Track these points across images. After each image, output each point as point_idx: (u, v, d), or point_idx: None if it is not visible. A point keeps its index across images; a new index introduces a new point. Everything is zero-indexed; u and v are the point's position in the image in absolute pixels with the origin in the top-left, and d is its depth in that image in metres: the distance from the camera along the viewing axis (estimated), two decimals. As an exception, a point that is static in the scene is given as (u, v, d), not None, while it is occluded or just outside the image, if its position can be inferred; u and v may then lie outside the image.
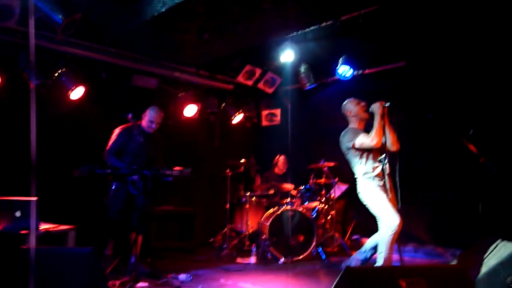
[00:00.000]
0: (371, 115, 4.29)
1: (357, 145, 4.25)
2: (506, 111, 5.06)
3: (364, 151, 4.28)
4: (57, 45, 5.07)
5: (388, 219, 4.05)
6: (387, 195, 4.17)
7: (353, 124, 4.47)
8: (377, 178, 4.24)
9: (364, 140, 4.21)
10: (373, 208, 4.22)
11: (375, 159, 4.29)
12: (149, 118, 4.85)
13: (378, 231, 4.22)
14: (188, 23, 4.68)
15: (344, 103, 4.53)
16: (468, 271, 2.77)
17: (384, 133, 4.18)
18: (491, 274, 3.30)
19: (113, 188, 4.76)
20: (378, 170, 4.25)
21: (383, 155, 4.12)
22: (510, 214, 4.94)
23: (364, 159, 4.30)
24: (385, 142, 4.33)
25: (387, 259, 4.00)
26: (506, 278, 3.27)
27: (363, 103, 4.44)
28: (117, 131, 4.82)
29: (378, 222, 4.22)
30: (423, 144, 4.40)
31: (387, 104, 4.17)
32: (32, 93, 4.87)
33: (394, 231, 4.02)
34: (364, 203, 4.32)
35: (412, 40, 5.40)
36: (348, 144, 4.31)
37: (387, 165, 4.05)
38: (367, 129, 4.39)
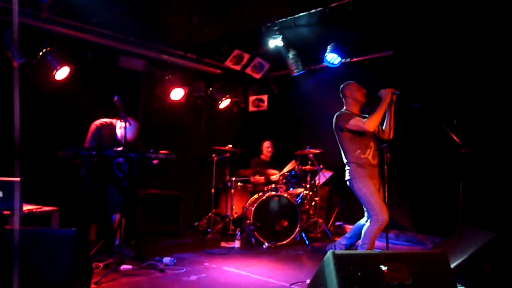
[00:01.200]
0: (370, 101, 4.30)
1: (351, 128, 4.24)
2: (489, 102, 5.15)
3: (356, 135, 4.29)
4: (42, 24, 4.97)
5: (376, 213, 4.11)
6: (375, 186, 4.22)
7: (349, 106, 4.46)
8: (367, 165, 4.26)
9: (359, 123, 4.21)
10: (362, 199, 4.24)
11: (366, 144, 4.30)
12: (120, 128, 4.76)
13: (366, 220, 4.27)
14: (178, 5, 4.63)
15: (345, 83, 4.51)
16: (448, 257, 2.84)
17: (381, 120, 4.21)
18: (469, 261, 3.39)
19: (81, 174, 4.78)
20: (371, 156, 4.27)
21: (385, 144, 4.12)
22: (489, 204, 5.06)
23: (356, 144, 4.30)
24: (381, 129, 4.37)
25: (369, 249, 4.07)
26: (483, 264, 3.37)
27: (364, 90, 4.44)
28: (92, 128, 4.76)
29: (365, 211, 4.27)
30: (407, 133, 4.47)
31: (397, 93, 4.17)
32: (16, 72, 4.80)
33: (380, 225, 4.08)
34: (353, 191, 4.32)
35: (400, 30, 5.42)
36: (342, 125, 4.29)
37: (388, 154, 4.03)
38: (361, 114, 4.41)
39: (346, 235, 4.58)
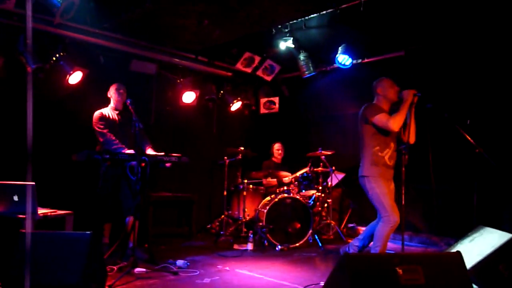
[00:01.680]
0: (399, 101, 4.21)
1: (375, 122, 4.14)
2: (502, 101, 5.08)
3: (379, 132, 4.19)
4: (55, 29, 5.02)
5: (387, 214, 4.06)
6: (388, 187, 4.17)
7: (379, 102, 4.32)
8: (381, 165, 4.18)
9: (385, 119, 4.10)
10: (373, 198, 4.18)
11: (386, 143, 4.21)
12: (116, 90, 4.93)
13: (378, 222, 4.23)
14: (188, 9, 4.65)
15: (378, 79, 4.37)
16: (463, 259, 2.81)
17: (404, 122, 4.13)
18: (484, 262, 3.34)
19: (101, 172, 4.81)
20: (388, 156, 4.20)
21: (404, 145, 4.02)
22: (504, 205, 4.99)
23: (376, 141, 4.21)
24: (402, 131, 4.30)
25: (382, 252, 4.03)
26: (499, 266, 3.32)
27: (397, 87, 4.30)
28: (97, 114, 4.81)
29: (377, 212, 4.23)
30: (420, 133, 4.43)
31: (419, 94, 4.11)
32: (30, 77, 4.86)
33: (392, 227, 4.04)
34: (365, 190, 4.25)
35: (411, 30, 5.39)
36: (368, 117, 4.19)
37: (406, 156, 3.93)
38: (390, 113, 4.29)
39: (359, 236, 4.54)
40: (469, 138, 4.41)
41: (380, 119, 4.12)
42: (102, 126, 4.74)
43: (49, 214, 3.92)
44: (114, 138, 4.71)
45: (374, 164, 4.19)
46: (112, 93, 4.97)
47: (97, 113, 4.83)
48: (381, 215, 4.12)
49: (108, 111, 4.92)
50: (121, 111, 4.97)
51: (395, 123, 4.05)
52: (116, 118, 4.92)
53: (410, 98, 4.10)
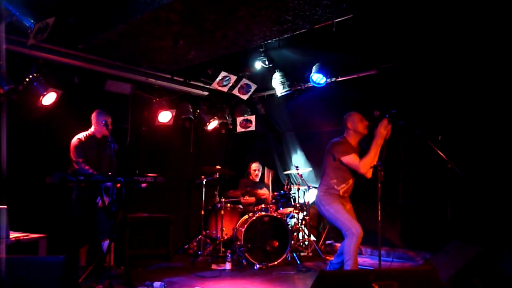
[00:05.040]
0: (370, 134, 4.26)
1: (345, 162, 4.21)
2: (474, 118, 5.24)
3: (340, 169, 4.29)
4: (28, 50, 4.97)
5: (348, 227, 4.12)
6: (344, 206, 4.27)
7: (349, 136, 4.37)
8: (335, 195, 4.30)
9: (354, 162, 4.17)
10: (331, 219, 4.29)
11: (345, 178, 4.31)
12: (99, 119, 4.94)
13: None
14: (164, 30, 4.68)
15: (348, 113, 4.43)
16: (438, 273, 2.86)
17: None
18: (459, 275, 3.41)
19: (73, 197, 4.80)
20: (343, 190, 4.32)
21: (379, 162, 3.99)
22: (477, 218, 5.10)
23: (336, 174, 4.31)
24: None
25: (353, 265, 4.07)
26: (473, 279, 3.39)
27: (366, 122, 4.36)
28: (75, 142, 4.87)
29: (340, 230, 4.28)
30: (392, 150, 4.51)
31: (393, 111, 4.15)
32: (3, 99, 4.78)
33: (357, 238, 4.08)
34: (322, 214, 4.37)
35: (383, 49, 5.53)
36: (336, 155, 4.25)
37: (382, 173, 3.90)
38: (359, 145, 4.43)
39: (337, 253, 4.57)
40: (441, 154, 4.53)
41: (349, 161, 4.20)
42: (77, 155, 4.82)
43: (21, 238, 3.83)
44: (87, 167, 4.75)
45: (328, 193, 4.33)
46: (93, 119, 5.00)
47: (74, 141, 4.86)
48: (344, 231, 4.17)
49: (87, 135, 4.98)
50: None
51: (365, 166, 4.13)
52: (94, 143, 4.92)
53: (384, 133, 4.13)
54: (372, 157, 4.11)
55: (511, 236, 4.70)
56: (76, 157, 4.80)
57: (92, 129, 5.06)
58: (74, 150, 4.85)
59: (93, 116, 5.04)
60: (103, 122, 4.72)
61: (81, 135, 4.97)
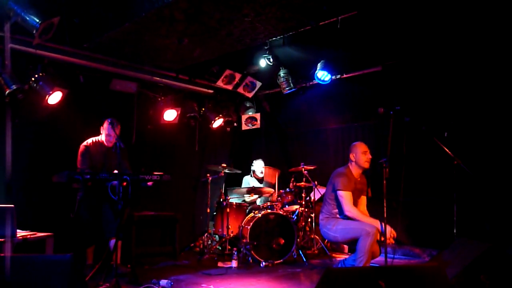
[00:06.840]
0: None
1: (338, 196, 4.35)
2: (480, 114, 5.21)
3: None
4: (34, 49, 4.99)
5: (362, 229, 4.11)
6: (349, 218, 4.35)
7: (352, 166, 4.50)
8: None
9: (345, 201, 4.30)
10: (343, 236, 4.31)
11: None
12: (106, 131, 4.91)
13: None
14: (169, 28, 4.68)
15: (353, 144, 4.56)
16: (445, 269, 2.85)
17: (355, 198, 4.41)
18: (466, 272, 3.39)
19: (78, 198, 4.82)
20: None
21: (385, 159, 3.97)
22: (483, 215, 5.08)
23: (336, 204, 4.44)
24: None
25: (366, 262, 4.06)
26: (480, 276, 3.38)
27: (369, 156, 4.46)
28: (81, 149, 4.85)
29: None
30: (399, 147, 4.49)
31: (397, 108, 4.12)
32: (8, 99, 4.80)
33: (373, 236, 4.06)
34: (337, 239, 4.42)
35: (388, 45, 5.51)
36: (337, 187, 4.37)
37: (387, 169, 3.93)
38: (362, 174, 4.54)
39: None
40: (447, 150, 4.51)
41: (343, 198, 4.32)
42: (82, 163, 4.79)
43: (29, 236, 3.85)
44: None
45: (331, 217, 4.45)
46: (104, 129, 4.94)
47: (80, 148, 4.85)
48: (359, 236, 4.14)
49: (95, 141, 4.95)
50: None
51: (350, 213, 4.27)
52: (102, 150, 4.92)
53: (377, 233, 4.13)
54: (359, 219, 4.23)
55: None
56: (81, 165, 4.76)
57: (101, 138, 4.98)
58: (80, 157, 4.81)
59: (105, 126, 4.92)
60: (109, 121, 4.69)
61: (88, 141, 4.92)
